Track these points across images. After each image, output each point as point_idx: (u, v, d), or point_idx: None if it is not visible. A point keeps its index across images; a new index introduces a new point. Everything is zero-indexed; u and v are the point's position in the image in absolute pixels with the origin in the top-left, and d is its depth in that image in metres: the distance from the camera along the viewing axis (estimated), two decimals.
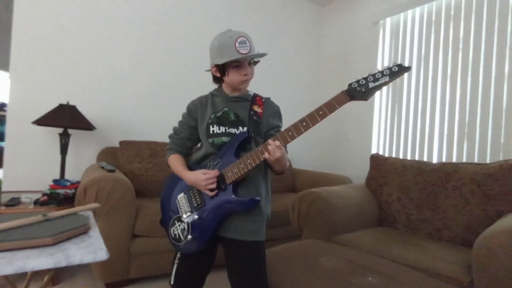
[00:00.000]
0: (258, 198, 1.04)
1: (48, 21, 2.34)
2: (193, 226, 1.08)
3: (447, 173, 1.81)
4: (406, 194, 1.93)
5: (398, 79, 2.84)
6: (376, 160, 2.18)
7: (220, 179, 1.06)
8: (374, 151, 3.05)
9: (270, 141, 0.98)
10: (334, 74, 3.59)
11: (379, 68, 0.95)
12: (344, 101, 0.96)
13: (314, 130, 3.66)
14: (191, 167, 1.16)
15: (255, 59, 1.19)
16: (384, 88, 2.98)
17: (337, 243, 1.62)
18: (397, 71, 0.92)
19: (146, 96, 2.68)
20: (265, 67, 3.37)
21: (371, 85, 0.93)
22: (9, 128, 2.23)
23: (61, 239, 0.76)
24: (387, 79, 0.92)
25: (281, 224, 2.33)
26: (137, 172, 2.32)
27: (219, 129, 1.12)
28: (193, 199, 1.10)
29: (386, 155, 2.92)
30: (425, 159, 2.56)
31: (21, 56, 2.26)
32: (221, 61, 1.06)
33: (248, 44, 1.06)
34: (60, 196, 1.86)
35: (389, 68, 0.92)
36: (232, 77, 1.10)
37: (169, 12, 2.79)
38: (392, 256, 1.43)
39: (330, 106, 0.97)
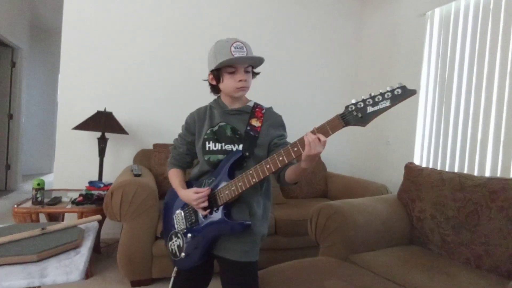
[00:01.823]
0: (247, 222, 1.00)
1: (90, 39, 2.54)
2: (187, 244, 1.09)
3: (493, 190, 1.56)
4: (441, 212, 1.71)
5: (446, 75, 2.53)
6: (410, 170, 1.97)
7: (213, 199, 1.05)
8: (417, 157, 2.77)
9: (309, 133, 0.87)
10: (374, 73, 3.34)
11: (382, 90, 0.83)
12: (338, 127, 0.87)
13: (352, 131, 3.53)
14: (190, 182, 1.17)
15: (255, 71, 1.14)
16: (430, 87, 2.68)
17: (353, 263, 1.51)
18: (400, 94, 0.80)
19: (178, 100, 2.78)
20: (300, 66, 3.27)
21: (369, 109, 0.82)
22: (58, 133, 2.49)
23: (46, 256, 0.81)
24: (388, 103, 0.81)
25: (306, 233, 2.26)
26: (167, 174, 2.43)
27: (215, 146, 1.10)
28: (188, 217, 1.10)
29: (430, 163, 2.64)
30: (475, 172, 2.25)
31: (68, 69, 2.50)
32: (215, 64, 1.03)
33: (244, 49, 1.02)
34: (93, 197, 2.02)
35: (392, 91, 0.81)
36: (227, 83, 1.06)
37: (198, 18, 2.84)
38: (410, 286, 1.28)
39: (323, 131, 0.88)
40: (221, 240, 1.06)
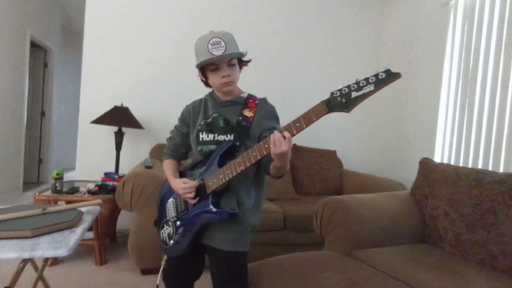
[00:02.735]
0: (234, 211, 1.00)
1: (110, 40, 2.66)
2: (176, 232, 1.11)
3: None
4: (456, 209, 1.61)
5: (470, 67, 2.38)
6: (425, 166, 1.87)
7: (202, 188, 1.06)
8: (437, 154, 2.64)
9: (276, 132, 0.87)
10: (395, 66, 3.20)
11: (367, 75, 0.80)
12: (322, 113, 0.85)
13: (370, 127, 3.44)
14: (184, 172, 1.19)
15: (244, 61, 1.14)
16: (453, 80, 2.54)
17: (356, 258, 1.46)
18: (384, 78, 0.77)
19: (193, 96, 2.81)
20: (319, 57, 3.21)
21: (353, 94, 0.80)
22: (79, 128, 2.63)
23: (40, 233, 0.86)
24: (372, 87, 0.78)
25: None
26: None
27: (208, 137, 1.11)
28: (179, 205, 1.12)
29: (452, 160, 2.50)
30: (501, 170, 2.10)
31: (89, 67, 2.63)
32: (197, 64, 1.05)
33: (222, 44, 1.01)
34: (108, 187, 2.12)
35: (376, 75, 0.78)
36: (212, 80, 1.08)
37: (213, 17, 2.88)
38: (413, 282, 1.22)
39: (307, 118, 0.86)
40: (209, 229, 1.07)
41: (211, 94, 1.18)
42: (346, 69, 3.34)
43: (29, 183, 4.25)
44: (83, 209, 1.15)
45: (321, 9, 3.22)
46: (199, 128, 1.13)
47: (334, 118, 3.34)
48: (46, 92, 4.50)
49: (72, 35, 5.15)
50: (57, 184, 2.00)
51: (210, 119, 1.13)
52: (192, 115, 1.18)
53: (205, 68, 1.06)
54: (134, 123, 2.45)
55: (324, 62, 3.27)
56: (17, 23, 3.50)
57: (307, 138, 3.21)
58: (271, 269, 1.26)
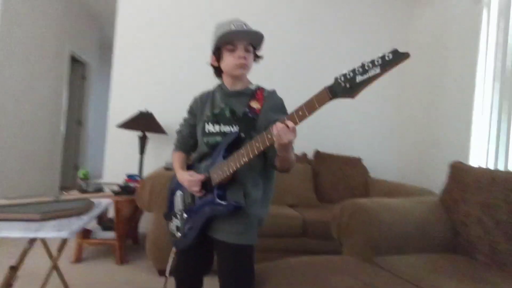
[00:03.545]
0: (238, 204, 0.98)
1: (137, 50, 2.80)
2: (183, 224, 1.10)
3: None
4: (491, 216, 1.46)
5: (506, 67, 2.21)
6: (456, 169, 1.73)
7: (208, 181, 1.05)
8: (473, 160, 2.44)
9: (278, 123, 0.84)
10: (425, 67, 3.06)
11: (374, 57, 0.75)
12: (325, 99, 0.80)
13: (397, 133, 3.28)
14: (193, 164, 1.19)
15: (258, 55, 1.13)
16: (488, 81, 2.36)
17: (375, 265, 1.36)
18: (392, 59, 0.71)
19: None
20: (342, 62, 3.15)
21: (358, 78, 0.74)
22: (108, 133, 2.76)
23: (48, 217, 0.89)
24: (377, 70, 0.72)
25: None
26: None
27: (213, 128, 1.10)
28: (186, 198, 1.12)
29: (492, 166, 2.29)
30: None
31: (118, 76, 2.78)
32: (217, 40, 1.05)
33: (244, 27, 1.03)
34: (130, 188, 2.18)
35: (382, 57, 0.72)
36: (227, 61, 1.07)
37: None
38: None
39: (310, 106, 0.82)
40: (216, 222, 1.05)
41: (219, 86, 1.18)
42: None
43: (65, 189, 4.50)
44: (95, 201, 1.17)
45: (347, 9, 3.18)
46: (206, 119, 1.13)
47: (359, 124, 3.25)
48: (83, 103, 4.81)
49: (108, 50, 5.49)
50: (83, 184, 2.09)
51: (217, 110, 1.12)
52: (199, 106, 1.18)
53: (222, 49, 1.06)
54: (157, 128, 2.52)
55: (348, 62, 3.19)
56: (58, 39, 3.81)
57: (331, 144, 3.12)
58: (280, 270, 1.20)
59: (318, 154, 2.92)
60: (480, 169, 1.65)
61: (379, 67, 0.73)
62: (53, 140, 3.91)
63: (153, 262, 1.99)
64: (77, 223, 0.89)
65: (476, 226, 1.50)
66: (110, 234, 2.19)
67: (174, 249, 1.19)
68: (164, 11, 2.85)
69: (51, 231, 0.81)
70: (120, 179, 2.65)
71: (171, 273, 1.22)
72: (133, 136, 2.74)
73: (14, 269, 0.83)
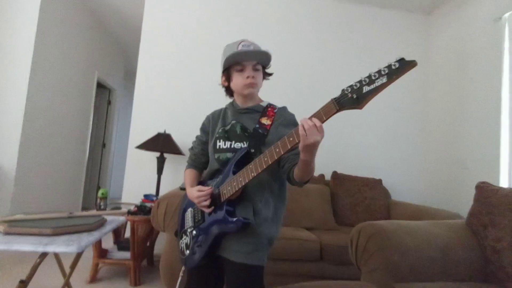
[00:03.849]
0: (247, 220, 0.96)
1: (158, 75, 2.94)
2: (192, 241, 1.08)
3: None
4: None
5: None
6: (482, 191, 1.63)
7: (217, 197, 1.04)
8: (503, 181, 2.29)
9: (306, 119, 0.81)
10: (446, 87, 2.98)
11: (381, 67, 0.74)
12: (332, 111, 0.79)
13: (420, 153, 3.16)
14: (204, 181, 1.19)
15: (267, 73, 1.15)
16: None
17: None
18: (398, 67, 0.71)
19: None
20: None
21: (365, 89, 0.74)
22: (128, 154, 2.84)
23: (60, 232, 0.91)
24: (384, 80, 0.72)
25: None
26: None
27: (224, 144, 1.11)
28: (196, 215, 1.11)
29: None
30: None
31: (139, 99, 2.90)
32: (224, 61, 1.07)
33: (251, 47, 1.06)
34: (146, 208, 2.20)
35: (389, 66, 0.72)
36: (236, 81, 1.09)
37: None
38: None
39: (317, 117, 0.81)
40: (225, 240, 1.03)
41: (231, 103, 1.20)
42: (394, 99, 3.19)
43: (87, 209, 4.62)
44: (108, 218, 1.19)
45: (363, 28, 3.20)
46: (217, 135, 1.14)
47: (379, 144, 3.17)
48: (108, 126, 5.02)
49: (133, 76, 5.78)
50: (101, 203, 2.14)
51: (228, 127, 1.13)
52: (211, 124, 1.20)
53: (231, 69, 1.09)
54: (174, 149, 2.57)
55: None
56: (86, 66, 4.06)
57: (349, 165, 3.05)
58: None
59: (336, 175, 2.85)
60: (509, 190, 1.54)
61: (386, 76, 0.72)
62: (78, 162, 4.07)
63: (166, 283, 1.96)
64: (86, 239, 0.90)
65: (509, 253, 1.38)
66: (126, 254, 2.20)
67: (183, 268, 1.17)
68: (182, 41, 2.99)
69: (61, 246, 0.82)
70: (138, 199, 2.69)
71: None
72: (152, 157, 2.80)
73: (23, 283, 0.84)
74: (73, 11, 3.59)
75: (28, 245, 0.81)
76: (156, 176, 2.65)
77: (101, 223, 1.08)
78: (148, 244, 2.50)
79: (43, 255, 0.87)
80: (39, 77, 3.06)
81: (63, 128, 3.62)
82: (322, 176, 2.89)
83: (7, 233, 0.87)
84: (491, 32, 2.50)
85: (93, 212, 1.17)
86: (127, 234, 2.55)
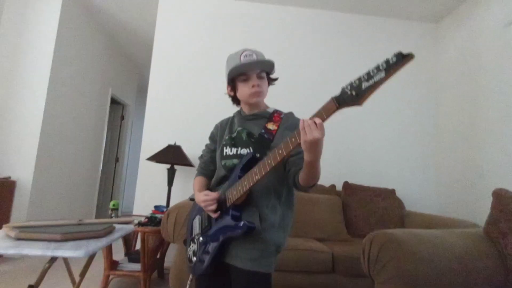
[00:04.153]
0: (252, 224, 0.95)
1: (169, 90, 3.01)
2: (199, 248, 1.08)
3: None
4: None
5: None
6: (500, 198, 1.57)
7: (223, 202, 1.04)
8: None
9: (305, 119, 0.81)
10: (457, 93, 2.94)
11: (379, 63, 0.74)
12: (332, 109, 0.79)
13: (437, 164, 3.08)
14: (212, 188, 1.19)
15: (272, 78, 1.17)
16: None
17: None
18: (395, 62, 0.70)
19: None
20: (374, 101, 3.12)
21: (364, 85, 0.74)
22: (140, 166, 2.89)
23: (69, 238, 0.92)
24: (382, 74, 0.71)
25: None
26: None
27: (231, 151, 1.12)
28: (203, 222, 1.11)
29: None
30: None
31: (150, 113, 2.97)
32: (228, 74, 1.09)
33: (254, 56, 1.07)
34: (156, 219, 2.21)
35: (386, 61, 0.72)
36: (241, 91, 1.11)
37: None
38: None
39: (318, 117, 0.82)
40: (231, 247, 1.02)
41: (238, 111, 1.21)
42: (404, 110, 3.16)
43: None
44: (117, 227, 1.20)
45: (371, 37, 3.21)
46: (224, 143, 1.15)
47: (391, 154, 3.11)
48: (121, 141, 5.13)
49: (145, 92, 5.95)
50: (112, 214, 2.16)
51: (234, 134, 1.15)
52: (219, 132, 1.22)
53: (236, 80, 1.11)
54: (184, 161, 2.59)
55: (374, 102, 3.14)
56: (101, 83, 4.20)
57: (361, 176, 3.01)
58: None
59: (347, 185, 2.80)
60: None
61: (384, 71, 0.72)
62: (92, 176, 4.16)
63: None
64: (94, 244, 0.91)
65: None
66: (136, 266, 2.19)
67: (191, 277, 1.16)
68: (191, 56, 3.07)
69: (69, 250, 0.83)
70: (149, 211, 2.70)
71: None
72: (163, 169, 2.84)
73: (31, 287, 0.85)
74: (89, 31, 3.75)
75: (38, 250, 0.82)
76: (166, 188, 2.67)
77: (110, 230, 1.09)
78: (158, 256, 2.49)
79: (52, 260, 0.88)
80: (55, 94, 3.18)
81: (78, 143, 3.72)
82: (333, 186, 2.85)
83: (18, 239, 0.88)
84: (502, 37, 2.47)
85: (102, 220, 1.18)
86: (138, 246, 2.56)
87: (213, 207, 1.03)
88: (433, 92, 3.20)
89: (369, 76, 0.73)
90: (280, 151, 0.88)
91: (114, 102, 4.80)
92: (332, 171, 2.99)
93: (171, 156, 2.54)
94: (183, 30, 3.11)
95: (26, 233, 0.89)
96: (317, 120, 0.80)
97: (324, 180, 2.88)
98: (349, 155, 3.05)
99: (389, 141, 3.11)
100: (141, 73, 5.56)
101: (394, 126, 3.13)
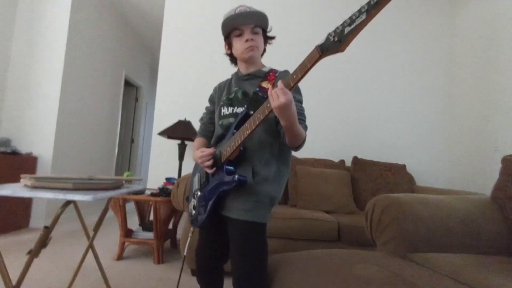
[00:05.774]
0: (243, 177, 0.99)
1: (178, 67, 3.05)
2: (198, 203, 1.13)
3: None
4: None
5: None
6: (509, 163, 1.54)
7: (219, 158, 1.08)
8: None
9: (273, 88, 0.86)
10: (474, 66, 2.83)
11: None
12: (315, 57, 0.78)
13: (446, 137, 3.01)
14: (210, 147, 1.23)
15: (269, 36, 1.18)
16: None
17: (410, 260, 1.24)
18: (376, 2, 0.69)
19: None
20: (383, 71, 3.06)
21: (346, 30, 0.73)
22: (152, 142, 2.98)
23: (80, 187, 0.99)
24: (364, 16, 0.70)
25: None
26: None
27: (227, 110, 1.15)
28: (202, 178, 1.15)
29: None
30: None
31: (161, 91, 3.03)
32: (222, 28, 1.11)
33: (249, 11, 1.08)
34: (168, 190, 2.29)
35: (368, 2, 0.70)
36: (236, 46, 1.12)
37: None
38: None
39: (302, 67, 0.81)
40: (227, 200, 1.06)
41: (236, 72, 1.23)
42: (414, 87, 3.08)
43: None
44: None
45: (386, 20, 3.12)
46: (222, 103, 1.18)
47: (402, 129, 3.07)
48: (136, 123, 5.26)
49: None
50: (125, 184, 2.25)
51: (232, 94, 1.17)
52: (217, 93, 1.25)
53: (231, 36, 1.12)
54: (194, 135, 2.65)
55: (388, 77, 3.08)
56: (114, 65, 4.29)
57: (371, 151, 2.99)
58: (300, 258, 1.15)
59: (356, 160, 2.80)
60: None
61: (365, 13, 0.70)
62: (108, 157, 4.31)
63: (187, 262, 2.03)
64: (102, 193, 0.98)
65: None
66: (150, 235, 2.30)
67: (192, 229, 1.22)
68: (200, 32, 3.09)
69: (78, 195, 0.89)
70: (161, 184, 2.80)
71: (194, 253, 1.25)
72: (174, 144, 2.91)
73: (47, 229, 0.93)
74: (102, 13, 3.81)
75: (50, 193, 0.89)
76: (178, 162, 2.75)
77: (118, 185, 1.16)
78: (171, 227, 2.60)
79: (65, 205, 0.95)
80: (71, 78, 3.28)
81: (93, 125, 3.85)
82: (342, 161, 2.85)
83: (34, 187, 0.96)
84: None
85: (112, 176, 1.25)
86: (151, 217, 2.67)
87: (209, 162, 1.07)
88: (448, 64, 3.10)
89: (351, 20, 0.72)
90: (268, 105, 0.89)
91: (128, 84, 4.90)
92: (342, 146, 2.99)
93: (182, 131, 2.61)
94: (193, 5, 3.12)
95: (41, 182, 0.97)
96: (279, 85, 0.82)
97: (334, 155, 2.89)
98: (359, 130, 3.03)
99: (401, 116, 3.06)
100: (153, 54, 5.63)
101: (406, 100, 3.07)
